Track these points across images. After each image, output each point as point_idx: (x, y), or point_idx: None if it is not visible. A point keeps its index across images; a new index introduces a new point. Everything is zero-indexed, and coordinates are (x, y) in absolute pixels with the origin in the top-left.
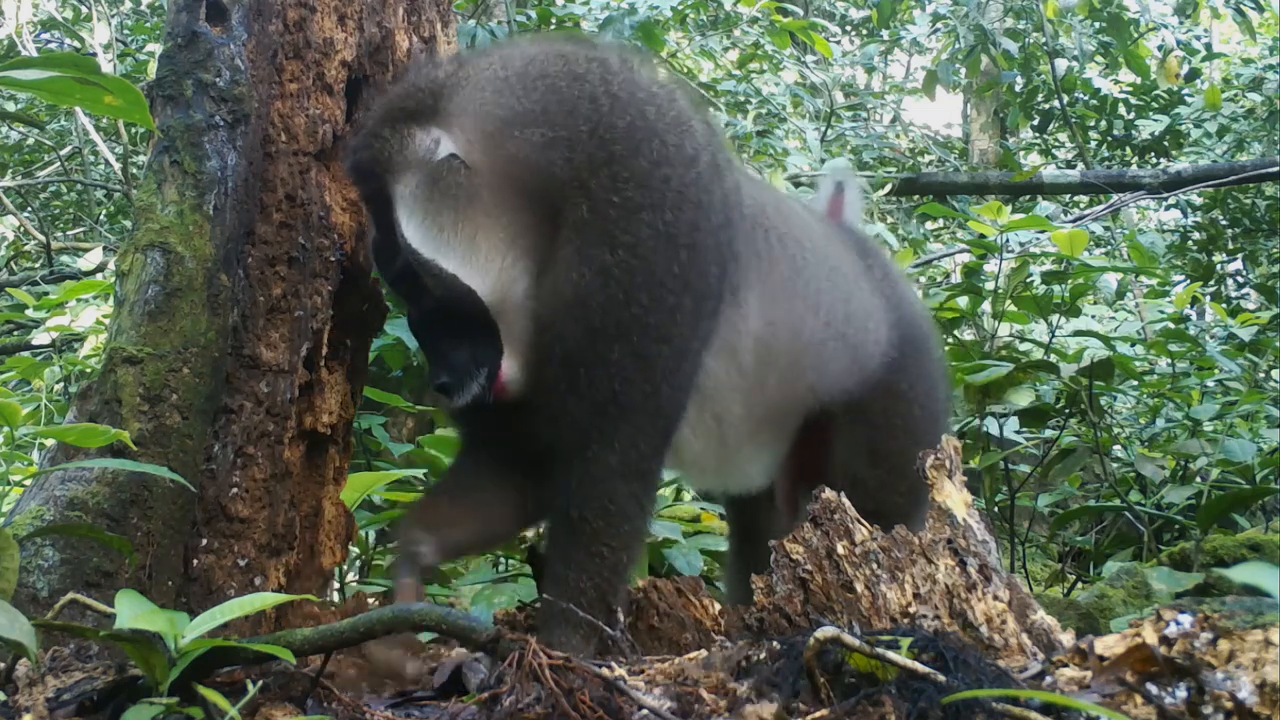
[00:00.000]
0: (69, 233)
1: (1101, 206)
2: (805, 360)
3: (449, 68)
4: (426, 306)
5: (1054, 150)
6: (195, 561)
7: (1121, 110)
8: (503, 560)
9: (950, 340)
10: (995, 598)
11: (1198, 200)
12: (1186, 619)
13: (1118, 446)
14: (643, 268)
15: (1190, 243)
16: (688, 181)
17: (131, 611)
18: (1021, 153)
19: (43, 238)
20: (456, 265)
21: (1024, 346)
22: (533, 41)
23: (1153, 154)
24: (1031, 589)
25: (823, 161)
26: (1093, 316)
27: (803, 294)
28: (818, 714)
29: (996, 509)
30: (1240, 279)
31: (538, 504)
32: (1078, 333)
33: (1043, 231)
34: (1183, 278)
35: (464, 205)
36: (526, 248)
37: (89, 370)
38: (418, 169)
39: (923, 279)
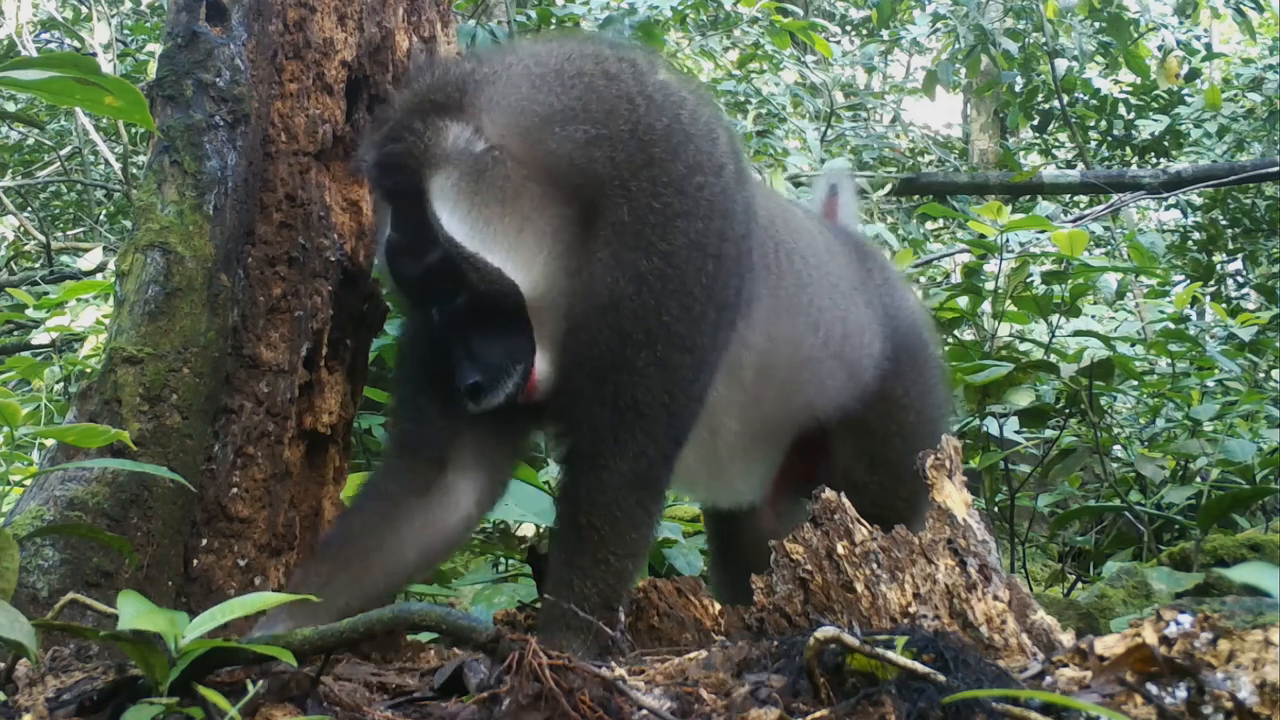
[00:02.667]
0: (69, 233)
1: (1101, 206)
2: (802, 377)
3: (473, 63)
4: (457, 304)
5: (1054, 150)
6: (195, 561)
7: (1121, 110)
8: (503, 560)
9: (950, 340)
10: (995, 598)
11: (1198, 200)
12: (1186, 619)
13: (1118, 446)
14: (675, 276)
15: (1190, 243)
16: (718, 190)
17: (131, 611)
18: (1021, 153)
19: (43, 238)
20: (502, 259)
21: (1024, 346)
22: (559, 40)
23: (1153, 154)
24: (1031, 589)
25: (823, 161)
26: (1093, 316)
27: (805, 311)
28: (818, 714)
29: (996, 509)
30: (1240, 279)
31: (471, 518)
32: (1078, 333)
33: (1043, 231)
34: (1183, 278)
35: (510, 199)
36: (565, 245)
37: (89, 370)
38: (457, 162)
39: (923, 279)
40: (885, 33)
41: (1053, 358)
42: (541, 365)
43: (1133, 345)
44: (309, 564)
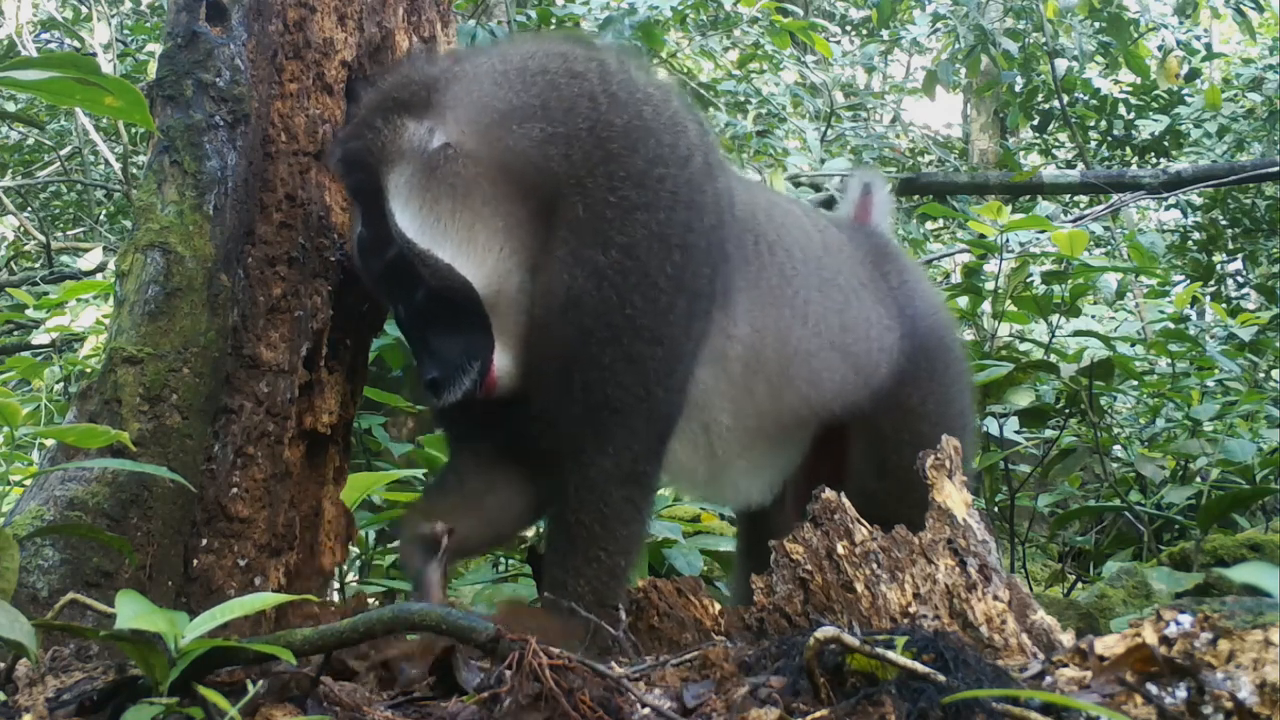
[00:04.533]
0: (69, 233)
1: (1101, 206)
2: (794, 370)
3: (444, 63)
4: (416, 301)
5: (1054, 150)
6: (195, 561)
7: (1121, 110)
8: (502, 560)
9: None
10: (995, 598)
11: (1198, 200)
12: (1186, 619)
13: (1118, 446)
14: (637, 268)
15: (1190, 243)
16: (682, 181)
17: (131, 611)
18: (1021, 153)
19: (43, 238)
20: (452, 255)
21: (1024, 346)
22: (530, 40)
23: (1153, 154)
24: (1031, 589)
25: (823, 161)
26: (1093, 316)
27: (790, 302)
28: (818, 714)
29: (996, 509)
30: (1240, 279)
31: (537, 500)
32: (1078, 333)
33: (1043, 231)
34: (1183, 278)
35: (461, 195)
36: (522, 241)
37: (89, 370)
38: (412, 158)
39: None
40: (885, 33)
41: (1053, 358)
42: (502, 361)
43: (1133, 345)
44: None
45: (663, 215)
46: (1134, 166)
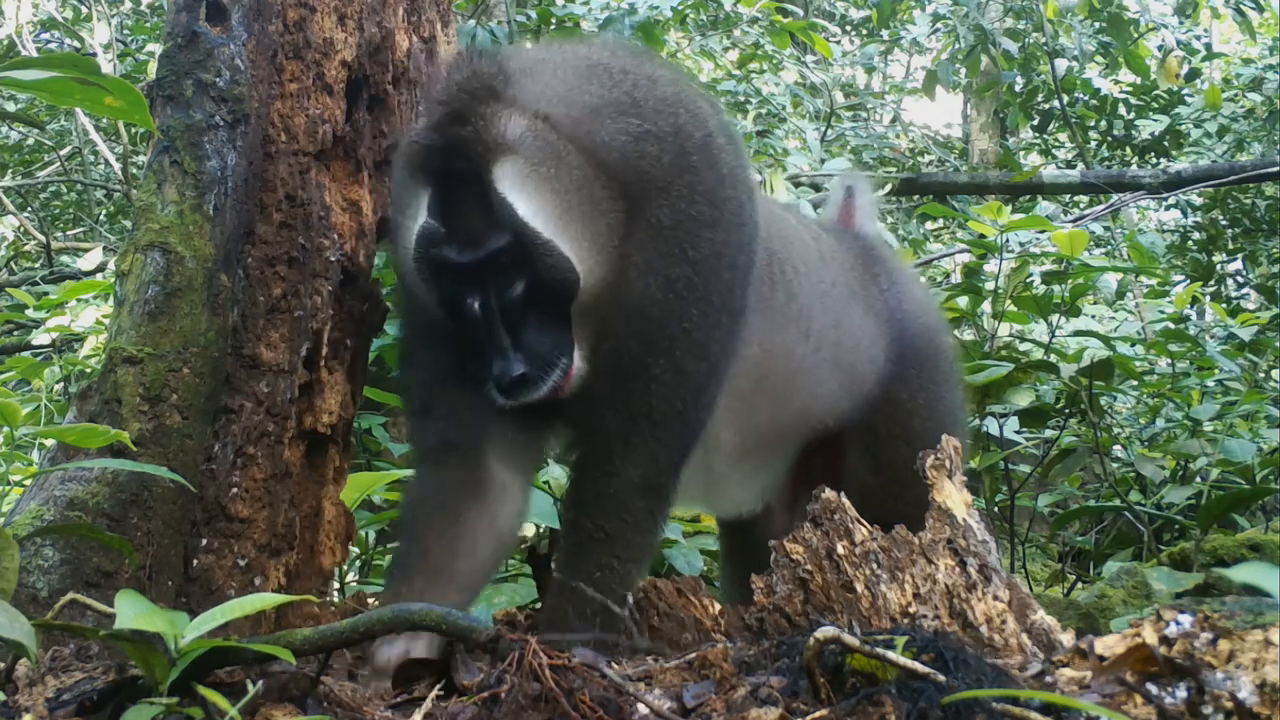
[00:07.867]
0: (69, 233)
1: (1101, 206)
2: (794, 386)
3: (503, 60)
4: (508, 295)
5: (1054, 150)
6: (195, 561)
7: (1121, 110)
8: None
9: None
10: (995, 598)
11: (1198, 200)
12: (1186, 619)
13: (1118, 446)
14: (700, 284)
15: (1190, 243)
16: (737, 204)
17: (131, 611)
18: (1021, 153)
19: (43, 238)
20: (571, 249)
21: (1024, 346)
22: (589, 40)
23: (1153, 154)
24: (1031, 589)
25: (823, 161)
26: (1093, 316)
27: (795, 320)
28: (818, 714)
29: (996, 509)
30: (1240, 279)
31: (510, 526)
32: (1078, 333)
33: (1043, 231)
34: (1183, 278)
35: (585, 188)
36: (618, 240)
37: (89, 370)
38: (524, 149)
39: (923, 279)
40: (885, 33)
41: (1053, 358)
42: (579, 362)
43: (1133, 345)
44: (393, 586)
45: (722, 235)
46: (1134, 166)
